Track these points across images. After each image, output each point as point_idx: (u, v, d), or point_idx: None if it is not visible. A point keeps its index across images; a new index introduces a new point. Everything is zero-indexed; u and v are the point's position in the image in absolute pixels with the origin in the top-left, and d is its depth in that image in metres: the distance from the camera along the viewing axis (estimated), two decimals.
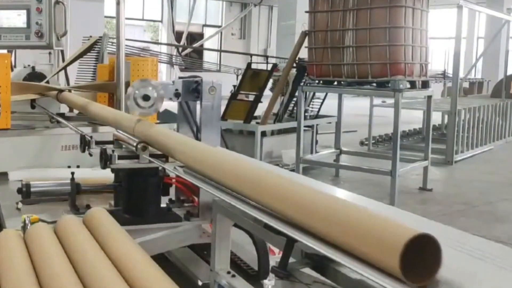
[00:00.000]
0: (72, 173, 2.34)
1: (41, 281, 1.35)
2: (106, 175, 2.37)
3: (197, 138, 2.29)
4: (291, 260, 1.25)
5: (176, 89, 2.24)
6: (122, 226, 1.73)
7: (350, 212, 1.10)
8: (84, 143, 2.43)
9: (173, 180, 2.27)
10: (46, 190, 2.40)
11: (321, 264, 1.22)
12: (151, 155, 2.06)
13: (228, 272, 1.64)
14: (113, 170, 2.18)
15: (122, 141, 2.32)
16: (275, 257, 1.74)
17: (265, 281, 1.84)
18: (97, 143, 2.35)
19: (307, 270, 1.27)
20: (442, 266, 0.97)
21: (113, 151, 2.13)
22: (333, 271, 1.18)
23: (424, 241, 0.97)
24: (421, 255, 0.98)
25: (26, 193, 2.36)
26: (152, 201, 2.16)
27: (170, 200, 2.36)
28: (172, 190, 2.37)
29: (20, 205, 2.47)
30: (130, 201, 2.18)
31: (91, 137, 2.41)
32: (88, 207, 2.27)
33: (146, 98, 2.10)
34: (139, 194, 2.15)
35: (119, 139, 2.35)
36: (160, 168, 2.17)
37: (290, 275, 1.23)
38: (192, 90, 2.25)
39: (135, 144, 2.08)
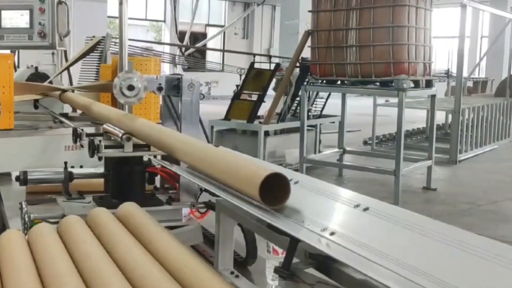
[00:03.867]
0: (65, 163, 2.51)
1: (43, 282, 1.35)
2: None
3: (179, 131, 2.48)
4: (295, 260, 1.24)
5: (160, 84, 2.47)
6: (110, 210, 1.82)
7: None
8: (76, 135, 2.59)
9: (158, 170, 2.44)
10: (42, 178, 2.54)
11: (324, 264, 1.21)
12: (135, 145, 2.25)
13: (232, 273, 1.64)
14: (100, 159, 2.37)
15: (110, 133, 2.46)
16: (278, 257, 1.74)
17: (269, 281, 1.84)
18: (88, 135, 2.50)
19: (311, 270, 1.27)
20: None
21: (100, 141, 2.29)
22: (337, 271, 1.17)
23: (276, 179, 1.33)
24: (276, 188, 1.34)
25: (24, 180, 2.49)
26: (137, 187, 2.33)
27: (155, 187, 2.54)
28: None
29: (23, 205, 2.48)
30: (117, 187, 2.35)
31: (82, 129, 2.57)
32: (80, 193, 2.44)
33: (130, 88, 2.34)
34: (124, 181, 2.33)
35: (108, 131, 2.50)
36: (147, 159, 2.36)
37: (294, 276, 1.22)
38: (174, 86, 2.47)
39: (120, 135, 2.27)
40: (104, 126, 2.59)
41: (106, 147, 2.27)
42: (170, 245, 1.49)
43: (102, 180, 2.51)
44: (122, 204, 1.86)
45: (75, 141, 2.63)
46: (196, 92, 2.47)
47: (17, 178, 2.51)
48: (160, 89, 2.48)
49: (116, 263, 1.41)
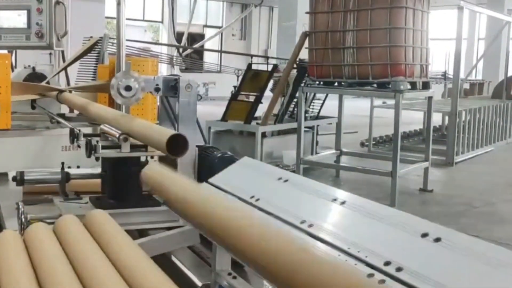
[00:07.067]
0: (62, 163, 2.52)
1: (40, 281, 1.35)
2: None
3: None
4: None
5: (157, 84, 2.47)
6: (106, 210, 1.82)
7: None
8: (73, 136, 2.60)
9: None
10: (39, 178, 2.55)
11: None
12: (132, 146, 2.25)
13: (229, 274, 1.64)
14: (97, 159, 2.38)
15: (107, 134, 2.47)
16: None
17: (266, 282, 1.84)
18: (85, 135, 2.51)
19: None
20: None
21: (97, 141, 2.29)
22: None
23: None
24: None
25: (20, 181, 2.49)
26: (134, 188, 2.32)
27: None
28: None
29: (20, 205, 2.48)
30: (114, 188, 2.37)
31: (79, 130, 2.57)
32: (77, 193, 2.47)
33: (128, 88, 2.33)
34: (121, 182, 2.34)
35: (105, 132, 2.50)
36: (144, 159, 2.37)
37: None
38: (171, 87, 2.47)
39: (117, 135, 2.27)
40: (101, 126, 2.59)
41: (103, 147, 2.27)
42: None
43: (99, 180, 2.51)
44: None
45: (72, 142, 2.64)
46: (194, 93, 2.47)
47: (14, 178, 2.51)
48: (157, 89, 2.48)
49: (112, 262, 1.42)
